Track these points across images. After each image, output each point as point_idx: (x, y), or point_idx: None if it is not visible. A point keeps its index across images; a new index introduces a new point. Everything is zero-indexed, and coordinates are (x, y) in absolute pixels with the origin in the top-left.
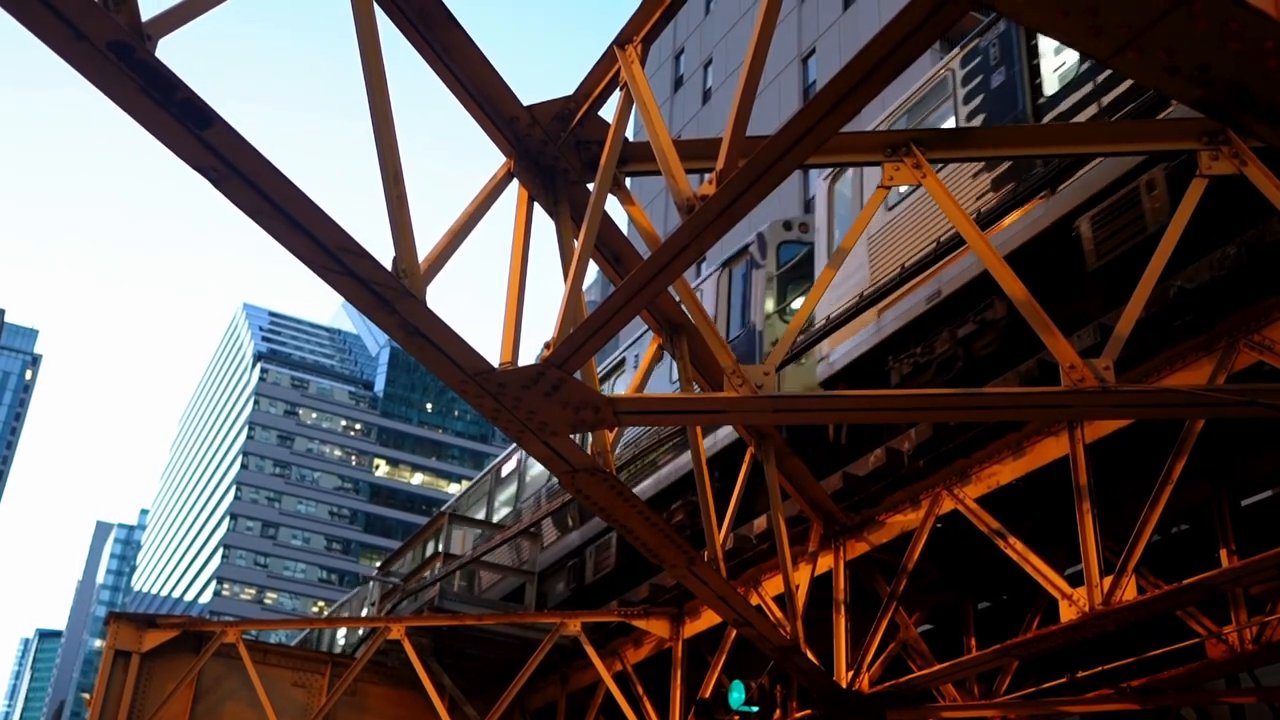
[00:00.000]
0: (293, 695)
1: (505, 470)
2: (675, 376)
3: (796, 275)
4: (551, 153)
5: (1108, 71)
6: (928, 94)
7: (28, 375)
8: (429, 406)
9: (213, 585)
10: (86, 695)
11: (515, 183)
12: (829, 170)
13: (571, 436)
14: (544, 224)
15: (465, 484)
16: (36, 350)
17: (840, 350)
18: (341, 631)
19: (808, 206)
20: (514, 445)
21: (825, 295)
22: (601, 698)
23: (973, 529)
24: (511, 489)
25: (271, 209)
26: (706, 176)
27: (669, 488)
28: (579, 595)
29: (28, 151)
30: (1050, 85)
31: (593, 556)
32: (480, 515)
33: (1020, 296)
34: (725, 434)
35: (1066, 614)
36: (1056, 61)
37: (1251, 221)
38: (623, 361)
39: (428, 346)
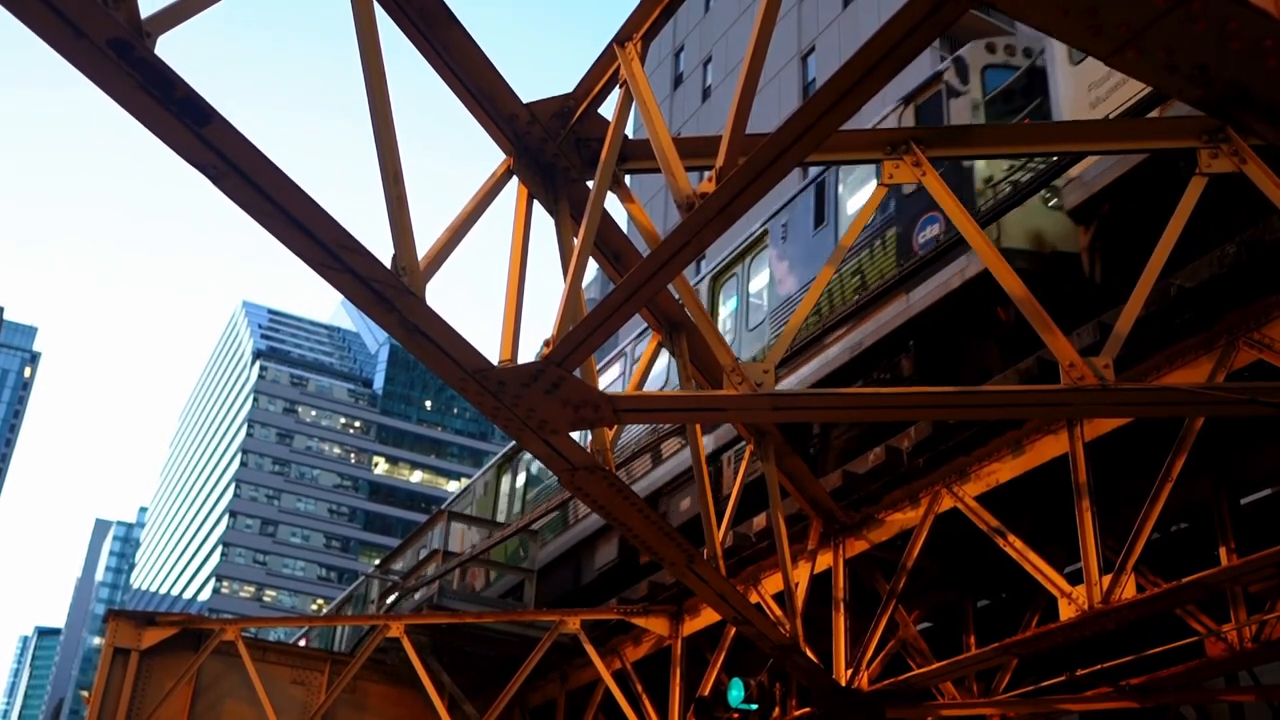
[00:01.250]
0: (292, 693)
1: None
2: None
3: (1009, 106)
4: (551, 150)
5: None
6: None
7: (26, 373)
8: (428, 404)
9: (212, 583)
10: (85, 693)
11: (515, 180)
12: None
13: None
14: (544, 222)
15: (464, 481)
16: (35, 348)
17: (1104, 165)
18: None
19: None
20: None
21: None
22: (601, 696)
23: (972, 527)
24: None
25: (270, 206)
26: (706, 174)
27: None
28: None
29: (27, 150)
30: None
31: (731, 464)
32: None
33: (1020, 294)
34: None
35: (1066, 612)
36: None
37: (1251, 220)
38: None
39: (427, 344)
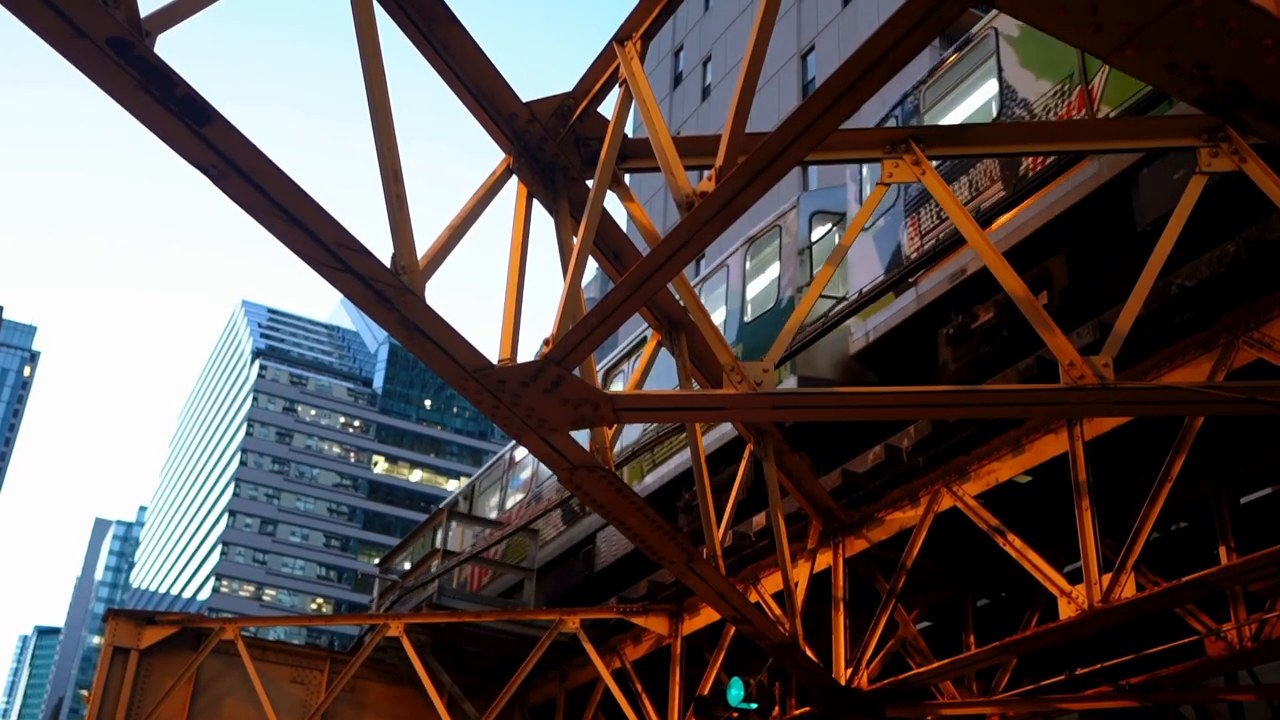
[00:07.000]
0: (291, 692)
1: None
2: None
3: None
4: (551, 149)
5: None
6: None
7: (26, 372)
8: (428, 403)
9: (211, 582)
10: (85, 692)
11: (514, 179)
12: None
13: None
14: (543, 221)
15: (464, 480)
16: (35, 347)
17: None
18: None
19: None
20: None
21: None
22: (600, 695)
23: (972, 526)
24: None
25: (270, 205)
26: (706, 173)
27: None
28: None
29: (28, 148)
30: None
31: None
32: None
33: (1020, 293)
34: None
35: (1065, 611)
36: None
37: (1251, 218)
38: None
39: (427, 343)
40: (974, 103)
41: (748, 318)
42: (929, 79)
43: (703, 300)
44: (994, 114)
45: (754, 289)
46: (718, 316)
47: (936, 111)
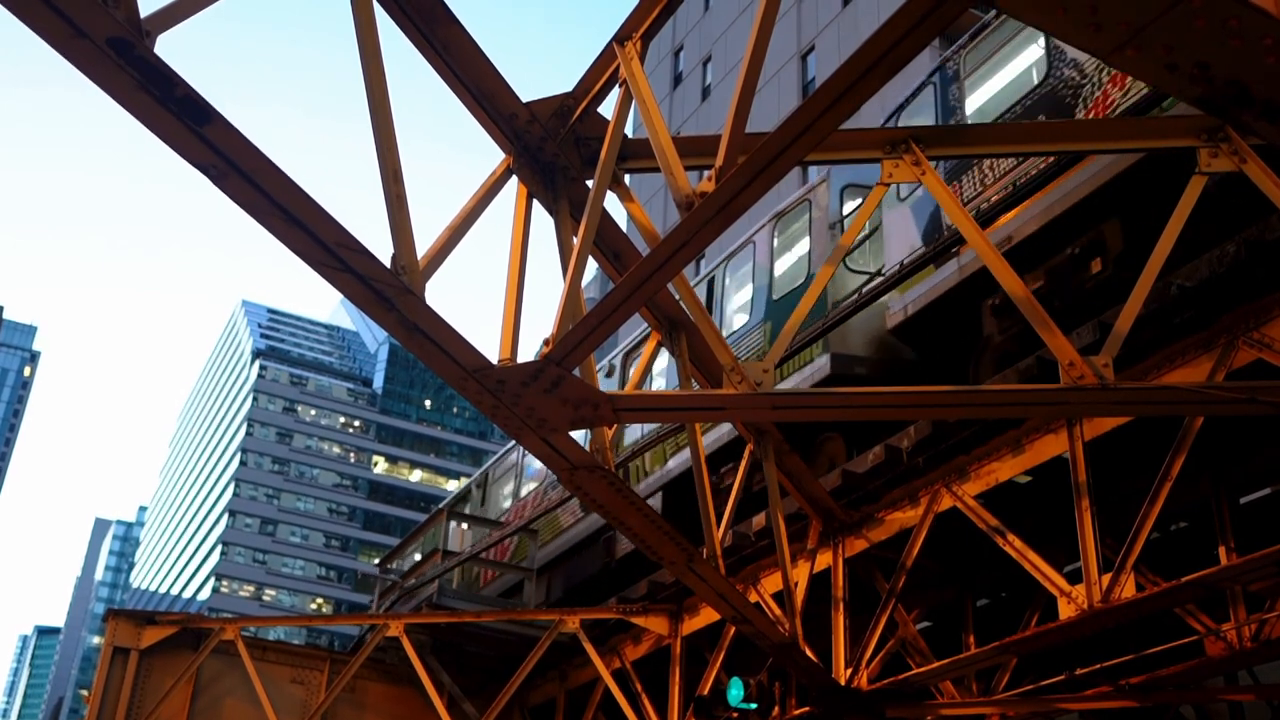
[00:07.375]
0: (291, 692)
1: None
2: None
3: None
4: (551, 150)
5: None
6: None
7: (26, 372)
8: (428, 403)
9: (211, 582)
10: (85, 692)
11: (514, 179)
12: None
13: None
14: (543, 221)
15: (464, 480)
16: (35, 347)
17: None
18: None
19: None
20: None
21: None
22: (600, 695)
23: (972, 526)
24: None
25: (270, 206)
26: (706, 173)
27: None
28: None
29: (28, 147)
30: None
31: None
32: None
33: (1019, 294)
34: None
35: (1065, 611)
36: None
37: (1251, 218)
38: None
39: (427, 343)
40: (1018, 66)
41: (776, 295)
42: (970, 44)
43: (728, 278)
44: (1039, 78)
45: (782, 265)
46: (744, 294)
47: (978, 77)
